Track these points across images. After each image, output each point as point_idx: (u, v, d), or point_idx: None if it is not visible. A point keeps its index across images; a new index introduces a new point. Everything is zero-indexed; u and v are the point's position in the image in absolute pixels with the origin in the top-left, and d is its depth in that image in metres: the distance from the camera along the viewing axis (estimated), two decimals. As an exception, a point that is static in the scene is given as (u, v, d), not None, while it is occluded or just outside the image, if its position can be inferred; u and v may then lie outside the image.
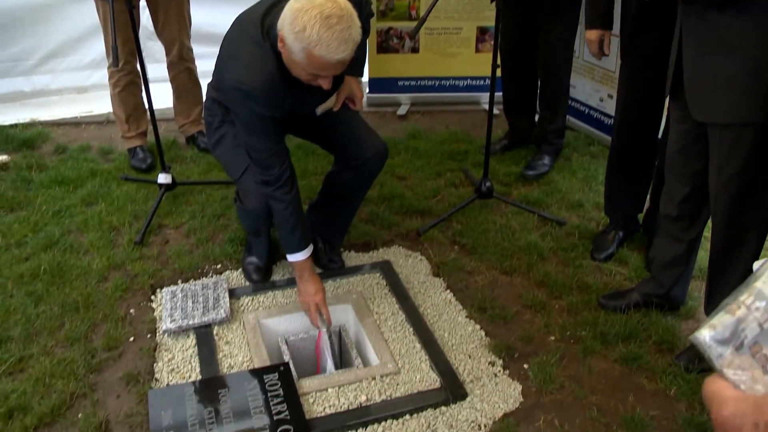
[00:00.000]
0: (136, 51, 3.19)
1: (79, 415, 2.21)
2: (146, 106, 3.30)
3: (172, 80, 3.89)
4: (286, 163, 2.44)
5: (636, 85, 2.74)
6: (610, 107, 3.96)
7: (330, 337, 2.50)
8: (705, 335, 0.73)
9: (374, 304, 2.71)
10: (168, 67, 3.84)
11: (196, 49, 3.89)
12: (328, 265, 2.90)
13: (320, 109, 2.60)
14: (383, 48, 4.58)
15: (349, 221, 2.95)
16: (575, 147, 4.07)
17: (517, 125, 4.00)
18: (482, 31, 4.51)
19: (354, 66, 2.36)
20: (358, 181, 2.75)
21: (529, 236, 3.14)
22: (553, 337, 2.56)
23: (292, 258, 2.55)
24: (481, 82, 4.64)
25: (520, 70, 3.78)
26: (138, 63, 3.24)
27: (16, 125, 4.29)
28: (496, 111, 4.20)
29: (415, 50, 4.59)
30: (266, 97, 2.26)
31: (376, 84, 4.69)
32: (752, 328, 0.71)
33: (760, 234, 2.21)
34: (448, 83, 4.68)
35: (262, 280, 2.85)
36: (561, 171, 3.77)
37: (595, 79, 4.09)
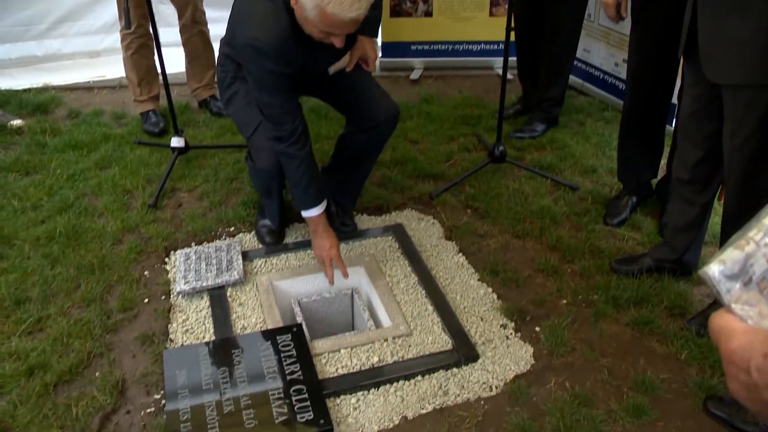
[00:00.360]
0: (148, 14, 3.17)
1: (97, 374, 2.25)
2: (159, 69, 3.30)
3: (185, 44, 3.87)
4: (299, 119, 2.43)
5: (648, 50, 2.71)
6: (625, 72, 3.92)
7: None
8: (714, 270, 0.73)
9: (387, 266, 2.73)
10: (180, 31, 3.83)
11: (209, 12, 3.87)
12: (341, 229, 2.90)
13: (333, 69, 2.59)
14: (396, 12, 4.53)
15: (361, 184, 2.94)
16: (589, 112, 4.03)
17: (531, 90, 3.97)
18: (497, -5, 4.46)
19: (368, 26, 2.34)
20: (371, 144, 2.74)
21: (542, 201, 3.13)
22: (565, 301, 2.56)
23: (306, 214, 2.57)
24: (495, 47, 4.60)
25: (534, 35, 3.73)
26: (150, 26, 3.22)
27: (29, 90, 4.29)
28: (509, 76, 4.16)
29: (428, 14, 4.54)
30: (278, 54, 2.25)
31: (388, 48, 4.65)
32: (761, 264, 0.71)
33: None
34: (461, 47, 4.64)
35: (275, 243, 2.86)
36: (575, 136, 3.75)
37: (610, 44, 4.04)
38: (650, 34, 2.67)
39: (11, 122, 3.80)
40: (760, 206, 2.19)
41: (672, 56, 2.37)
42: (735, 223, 2.25)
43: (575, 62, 4.22)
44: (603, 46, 4.10)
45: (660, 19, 2.58)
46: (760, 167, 2.12)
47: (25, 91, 4.27)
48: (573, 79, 4.30)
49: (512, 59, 3.59)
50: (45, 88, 4.35)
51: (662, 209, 3.00)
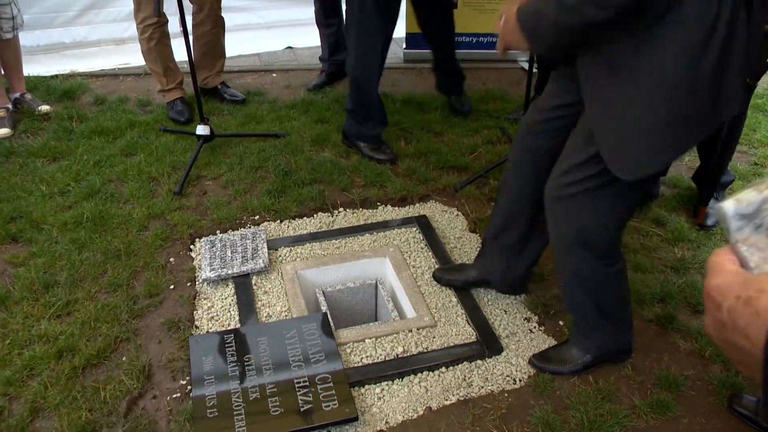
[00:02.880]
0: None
1: (123, 359, 2.28)
2: (183, 57, 3.28)
3: (199, 37, 3.81)
4: None
5: None
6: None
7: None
8: (729, 207, 0.72)
9: (411, 257, 2.73)
10: (196, 24, 3.77)
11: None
12: (461, 110, 3.83)
13: None
14: (421, 3, 4.50)
15: (454, 58, 3.86)
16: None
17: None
18: (522, -13, 4.42)
19: None
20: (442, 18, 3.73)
21: (567, 195, 3.11)
22: (589, 296, 2.56)
23: None
24: (520, 40, 4.56)
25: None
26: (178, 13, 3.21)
27: (56, 76, 4.34)
28: (534, 69, 4.13)
29: (453, 5, 4.51)
30: None
31: (413, 39, 4.63)
32: None
33: None
34: (486, 40, 4.62)
35: (389, 156, 3.39)
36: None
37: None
38: None
39: (39, 108, 3.84)
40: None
41: None
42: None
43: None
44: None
45: None
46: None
47: (52, 77, 4.32)
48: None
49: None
50: (72, 75, 4.39)
51: (699, 197, 2.98)
